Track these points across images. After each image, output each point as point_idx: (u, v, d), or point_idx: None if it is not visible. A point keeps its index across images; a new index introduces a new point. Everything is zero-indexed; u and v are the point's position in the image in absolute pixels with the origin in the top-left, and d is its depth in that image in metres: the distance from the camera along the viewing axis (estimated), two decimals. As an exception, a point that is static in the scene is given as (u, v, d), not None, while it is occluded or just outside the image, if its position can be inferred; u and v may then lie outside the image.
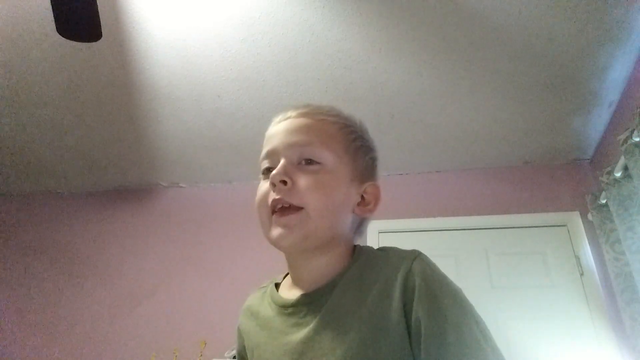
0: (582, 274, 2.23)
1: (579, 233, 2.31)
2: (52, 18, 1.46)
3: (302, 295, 0.67)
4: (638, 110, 1.71)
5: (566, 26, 1.75)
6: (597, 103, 2.12)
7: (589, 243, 2.26)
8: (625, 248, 1.84)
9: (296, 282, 0.71)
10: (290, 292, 0.71)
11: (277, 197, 0.64)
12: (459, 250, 2.41)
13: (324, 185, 0.65)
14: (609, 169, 2.00)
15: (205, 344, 2.31)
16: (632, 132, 1.75)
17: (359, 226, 0.73)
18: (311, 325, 0.63)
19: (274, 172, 0.64)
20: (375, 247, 0.73)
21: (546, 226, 2.39)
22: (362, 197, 0.71)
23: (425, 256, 0.64)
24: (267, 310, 0.72)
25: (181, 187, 2.94)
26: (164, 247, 2.74)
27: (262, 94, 2.13)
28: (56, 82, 2.12)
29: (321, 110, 0.71)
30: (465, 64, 1.94)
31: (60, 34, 1.47)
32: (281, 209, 0.64)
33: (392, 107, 2.19)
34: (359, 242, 0.74)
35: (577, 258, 2.27)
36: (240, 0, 1.73)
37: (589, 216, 2.24)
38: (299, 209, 0.63)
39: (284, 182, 0.64)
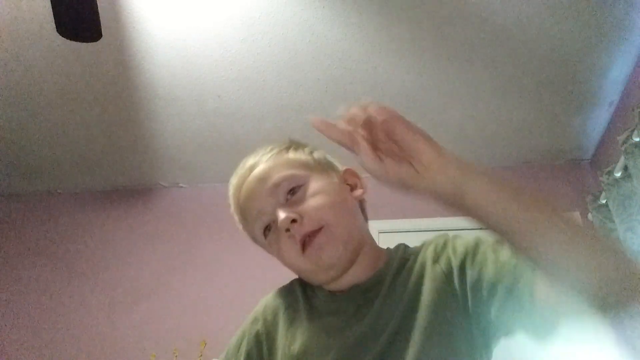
0: (582, 274, 2.23)
1: (579, 233, 2.31)
2: (52, 18, 1.46)
3: (353, 287, 0.69)
4: (638, 110, 1.71)
5: (566, 26, 1.75)
6: (597, 103, 2.12)
7: (589, 243, 2.26)
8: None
9: (338, 286, 0.71)
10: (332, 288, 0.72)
11: (305, 232, 0.65)
12: (459, 250, 2.41)
13: (321, 197, 0.67)
14: (609, 169, 2.00)
15: (205, 344, 2.31)
16: (632, 132, 1.75)
17: (365, 215, 0.77)
18: (368, 316, 0.65)
19: (280, 219, 0.64)
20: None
21: (546, 226, 2.39)
22: (350, 185, 0.75)
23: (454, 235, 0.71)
24: (315, 307, 0.71)
25: (181, 187, 2.94)
26: (164, 247, 2.74)
27: (262, 94, 2.13)
28: (56, 82, 2.12)
29: (262, 153, 0.74)
30: (465, 64, 1.94)
31: (60, 34, 1.47)
32: (308, 238, 0.65)
33: (392, 107, 2.19)
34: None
35: (577, 258, 2.26)
36: (240, 0, 1.73)
37: (589, 216, 2.24)
38: (320, 229, 0.65)
39: (294, 220, 0.64)
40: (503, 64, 1.93)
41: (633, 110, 1.77)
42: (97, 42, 1.54)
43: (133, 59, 1.98)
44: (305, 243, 0.65)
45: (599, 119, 2.22)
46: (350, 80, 2.04)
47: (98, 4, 1.46)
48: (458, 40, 1.83)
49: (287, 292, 0.76)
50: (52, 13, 1.44)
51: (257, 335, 0.72)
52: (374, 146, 0.51)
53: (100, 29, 1.49)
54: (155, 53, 1.95)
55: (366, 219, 0.76)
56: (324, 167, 0.73)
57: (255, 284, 2.48)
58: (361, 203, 0.76)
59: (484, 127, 2.30)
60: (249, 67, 2.00)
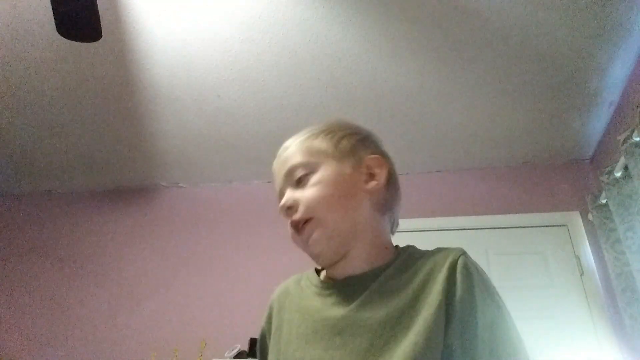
0: (582, 274, 2.23)
1: (579, 233, 2.31)
2: (52, 18, 1.46)
3: (346, 278, 0.70)
4: (638, 109, 1.71)
5: (566, 26, 1.75)
6: (597, 103, 2.12)
7: (589, 243, 2.26)
8: (626, 248, 1.84)
9: (334, 274, 0.73)
10: (329, 278, 0.75)
11: (294, 220, 0.70)
12: (459, 250, 2.41)
13: (319, 188, 0.70)
14: (609, 168, 2.00)
15: (206, 344, 2.31)
16: (632, 131, 1.75)
17: (383, 208, 0.75)
18: (353, 305, 0.66)
19: (280, 204, 0.72)
20: None
21: (546, 226, 2.39)
22: (370, 174, 0.74)
23: (469, 256, 0.70)
24: (305, 292, 0.75)
25: (181, 187, 2.94)
26: (164, 247, 2.74)
27: (262, 94, 2.13)
28: (56, 82, 2.12)
29: (296, 137, 0.77)
30: (466, 63, 1.94)
31: (60, 34, 1.47)
32: (300, 225, 0.70)
33: (392, 107, 2.19)
34: (390, 227, 0.78)
35: (577, 258, 2.26)
36: (240, 0, 1.73)
37: (589, 216, 2.24)
38: (309, 219, 0.69)
39: (290, 207, 0.71)
40: (503, 64, 1.93)
41: (633, 110, 1.77)
42: (97, 42, 1.54)
43: (133, 59, 1.98)
44: (299, 228, 0.70)
45: (599, 118, 2.22)
46: (350, 80, 2.04)
47: (98, 4, 1.46)
48: (458, 40, 1.83)
49: (287, 286, 0.80)
50: (52, 13, 1.44)
51: (263, 331, 0.80)
52: None
53: (100, 29, 1.49)
54: (155, 53, 1.95)
55: (381, 212, 0.74)
56: (343, 155, 0.73)
57: (255, 283, 2.49)
58: (378, 195, 0.74)
59: (484, 127, 2.30)
60: (249, 67, 2.00)
